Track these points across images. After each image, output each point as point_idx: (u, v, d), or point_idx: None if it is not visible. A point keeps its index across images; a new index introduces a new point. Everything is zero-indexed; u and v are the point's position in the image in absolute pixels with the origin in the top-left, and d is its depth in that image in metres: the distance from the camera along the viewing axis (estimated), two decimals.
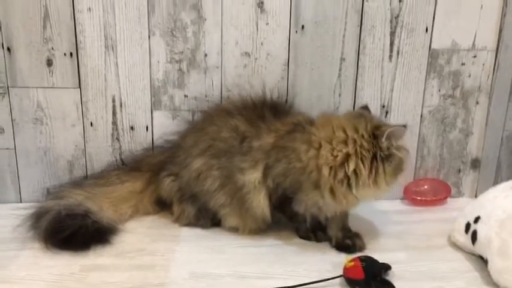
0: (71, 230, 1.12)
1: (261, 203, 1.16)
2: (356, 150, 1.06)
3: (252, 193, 1.15)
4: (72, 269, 1.06)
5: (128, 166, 1.36)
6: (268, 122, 1.18)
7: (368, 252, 1.13)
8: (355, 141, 1.06)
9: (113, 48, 1.29)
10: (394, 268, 1.07)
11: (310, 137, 1.09)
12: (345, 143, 1.07)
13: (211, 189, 1.20)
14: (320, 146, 1.08)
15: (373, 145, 1.06)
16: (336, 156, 1.06)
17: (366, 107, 1.20)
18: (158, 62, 1.31)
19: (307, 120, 1.16)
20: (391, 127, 1.06)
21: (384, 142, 1.06)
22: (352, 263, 1.02)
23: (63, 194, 1.25)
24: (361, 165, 1.05)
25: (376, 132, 1.07)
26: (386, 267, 1.06)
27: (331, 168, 1.07)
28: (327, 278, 1.03)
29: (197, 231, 1.25)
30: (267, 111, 1.20)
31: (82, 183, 1.31)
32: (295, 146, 1.10)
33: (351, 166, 1.06)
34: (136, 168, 1.33)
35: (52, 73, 1.29)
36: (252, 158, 1.15)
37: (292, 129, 1.14)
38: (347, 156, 1.06)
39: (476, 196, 1.48)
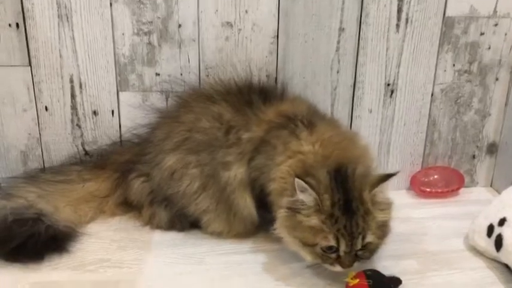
0: (19, 240, 0.99)
1: (247, 202, 1.05)
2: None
3: (237, 191, 1.04)
4: None
5: (91, 161, 1.23)
6: (257, 110, 1.07)
7: (373, 260, 0.99)
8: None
9: (67, 18, 1.15)
10: (405, 281, 0.95)
11: (293, 141, 0.98)
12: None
13: (189, 192, 1.07)
14: (290, 158, 0.96)
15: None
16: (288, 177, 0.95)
17: None
18: (123, 34, 1.18)
19: (304, 118, 1.03)
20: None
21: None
22: (357, 281, 0.91)
23: (11, 193, 1.11)
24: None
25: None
26: (396, 282, 0.95)
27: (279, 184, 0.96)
28: None
29: (172, 235, 1.12)
30: (255, 97, 1.09)
31: (37, 177, 1.18)
32: (277, 143, 1.00)
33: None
34: (101, 166, 1.20)
35: None
36: (240, 150, 1.03)
37: (284, 124, 1.03)
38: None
39: (491, 185, 1.39)
